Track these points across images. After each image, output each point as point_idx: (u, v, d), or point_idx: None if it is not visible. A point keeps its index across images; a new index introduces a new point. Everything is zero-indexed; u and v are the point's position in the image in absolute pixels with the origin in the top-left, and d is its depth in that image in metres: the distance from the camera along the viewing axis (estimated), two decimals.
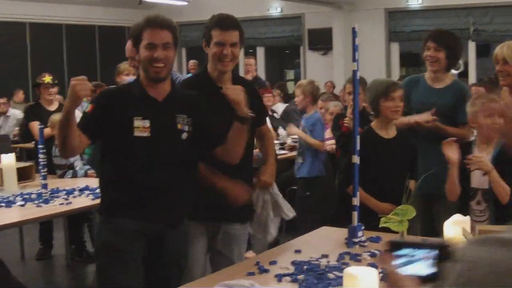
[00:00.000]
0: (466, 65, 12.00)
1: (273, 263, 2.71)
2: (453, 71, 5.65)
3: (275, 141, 6.43)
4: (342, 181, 3.79)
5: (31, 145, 6.50)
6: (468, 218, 2.78)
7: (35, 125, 5.32)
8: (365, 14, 12.46)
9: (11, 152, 4.89)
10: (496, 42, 7.46)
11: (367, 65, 9.85)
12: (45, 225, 5.83)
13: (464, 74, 11.85)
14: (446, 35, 4.18)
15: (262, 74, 12.69)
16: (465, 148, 3.44)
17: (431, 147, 3.89)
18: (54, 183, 4.73)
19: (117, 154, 2.83)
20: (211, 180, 3.05)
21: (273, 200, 3.40)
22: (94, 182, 4.52)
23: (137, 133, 2.77)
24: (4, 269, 2.93)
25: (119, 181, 2.83)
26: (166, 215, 2.85)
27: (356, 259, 2.75)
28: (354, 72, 3.08)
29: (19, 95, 11.89)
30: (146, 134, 2.78)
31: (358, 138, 3.11)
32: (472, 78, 11.73)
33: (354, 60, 3.05)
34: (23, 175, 4.79)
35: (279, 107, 8.35)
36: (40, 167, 4.43)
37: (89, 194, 4.36)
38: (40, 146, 4.43)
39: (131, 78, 4.47)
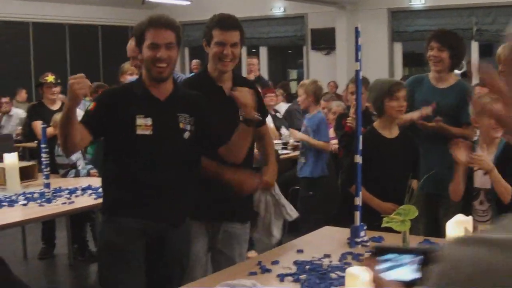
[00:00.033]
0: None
1: (275, 262, 2.71)
2: (456, 71, 5.64)
3: (278, 141, 6.44)
4: (344, 181, 3.79)
5: (33, 144, 6.50)
6: (470, 218, 2.77)
7: (38, 125, 5.32)
8: (368, 14, 12.44)
9: (13, 151, 4.90)
10: (498, 42, 7.45)
11: (370, 65, 9.82)
12: (48, 224, 5.82)
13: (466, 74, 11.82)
14: (449, 35, 4.18)
15: (265, 74, 12.68)
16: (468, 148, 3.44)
17: (433, 147, 3.89)
18: (56, 182, 4.73)
19: (119, 153, 2.84)
20: (217, 172, 3.03)
21: (275, 201, 3.40)
22: (96, 182, 4.51)
23: (139, 131, 2.77)
24: (5, 268, 2.93)
25: (121, 179, 2.83)
26: (168, 214, 2.85)
27: (358, 259, 2.75)
28: (357, 72, 3.08)
29: (22, 95, 11.89)
30: (148, 132, 2.78)
31: (360, 138, 3.11)
32: (475, 78, 11.69)
33: (357, 60, 3.05)
34: (25, 175, 4.79)
35: (282, 107, 8.34)
36: (42, 167, 4.44)
37: (91, 193, 4.36)
38: (42, 146, 4.43)
39: (134, 78, 4.47)
